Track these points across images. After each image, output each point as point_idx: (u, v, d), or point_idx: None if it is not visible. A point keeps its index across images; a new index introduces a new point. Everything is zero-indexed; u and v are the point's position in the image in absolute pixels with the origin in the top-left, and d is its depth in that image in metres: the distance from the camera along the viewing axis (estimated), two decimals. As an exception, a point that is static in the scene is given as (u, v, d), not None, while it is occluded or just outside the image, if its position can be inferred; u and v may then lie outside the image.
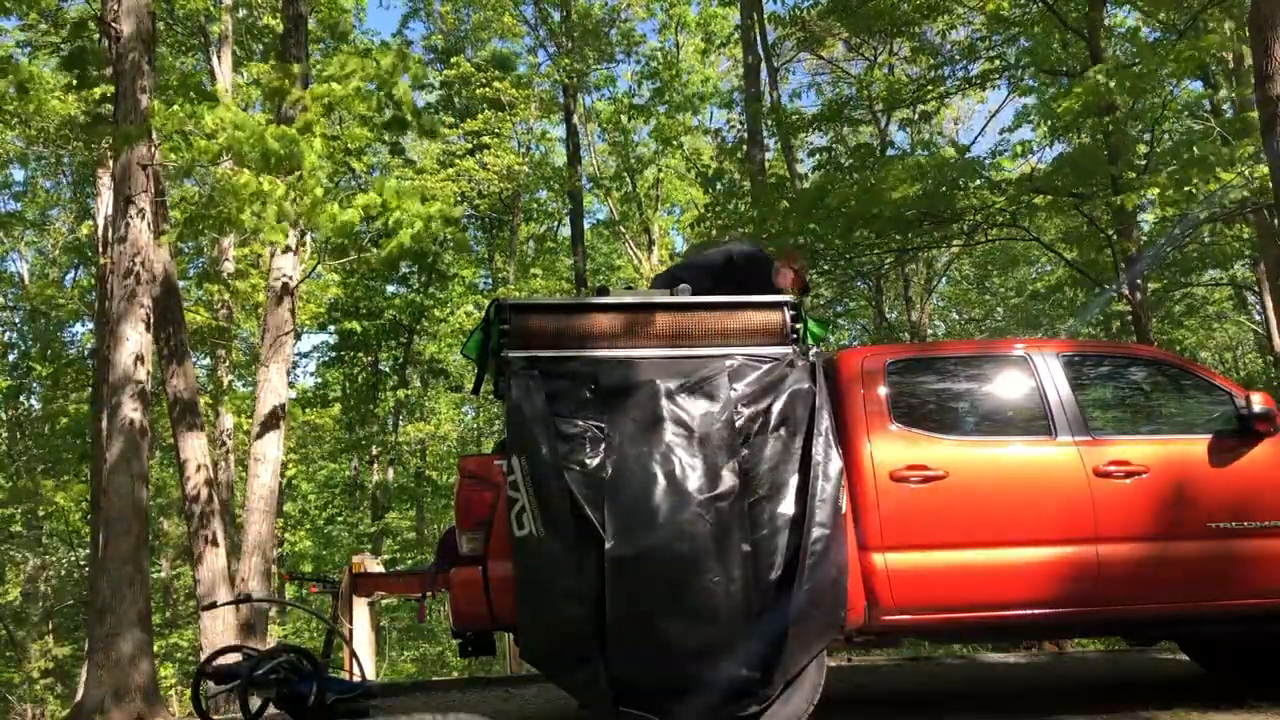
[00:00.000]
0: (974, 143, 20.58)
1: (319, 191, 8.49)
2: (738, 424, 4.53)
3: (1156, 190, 10.16)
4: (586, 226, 23.26)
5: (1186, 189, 9.91)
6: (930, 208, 11.30)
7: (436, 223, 9.28)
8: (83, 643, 18.08)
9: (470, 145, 21.07)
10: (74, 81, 10.59)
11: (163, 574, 21.60)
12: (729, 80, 22.23)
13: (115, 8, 8.06)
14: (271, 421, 10.49)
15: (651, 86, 20.66)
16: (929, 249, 15.68)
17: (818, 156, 14.60)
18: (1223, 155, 9.83)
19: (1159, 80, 10.63)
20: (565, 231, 23.86)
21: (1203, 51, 10.09)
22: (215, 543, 10.53)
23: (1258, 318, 20.80)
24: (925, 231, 12.35)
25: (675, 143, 20.52)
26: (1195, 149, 10.47)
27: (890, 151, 16.22)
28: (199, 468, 10.80)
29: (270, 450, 10.49)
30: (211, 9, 15.98)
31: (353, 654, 5.86)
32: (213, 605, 9.49)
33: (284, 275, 10.65)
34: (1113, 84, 9.90)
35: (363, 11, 21.06)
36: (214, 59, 16.51)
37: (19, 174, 23.13)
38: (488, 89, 20.91)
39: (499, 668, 17.42)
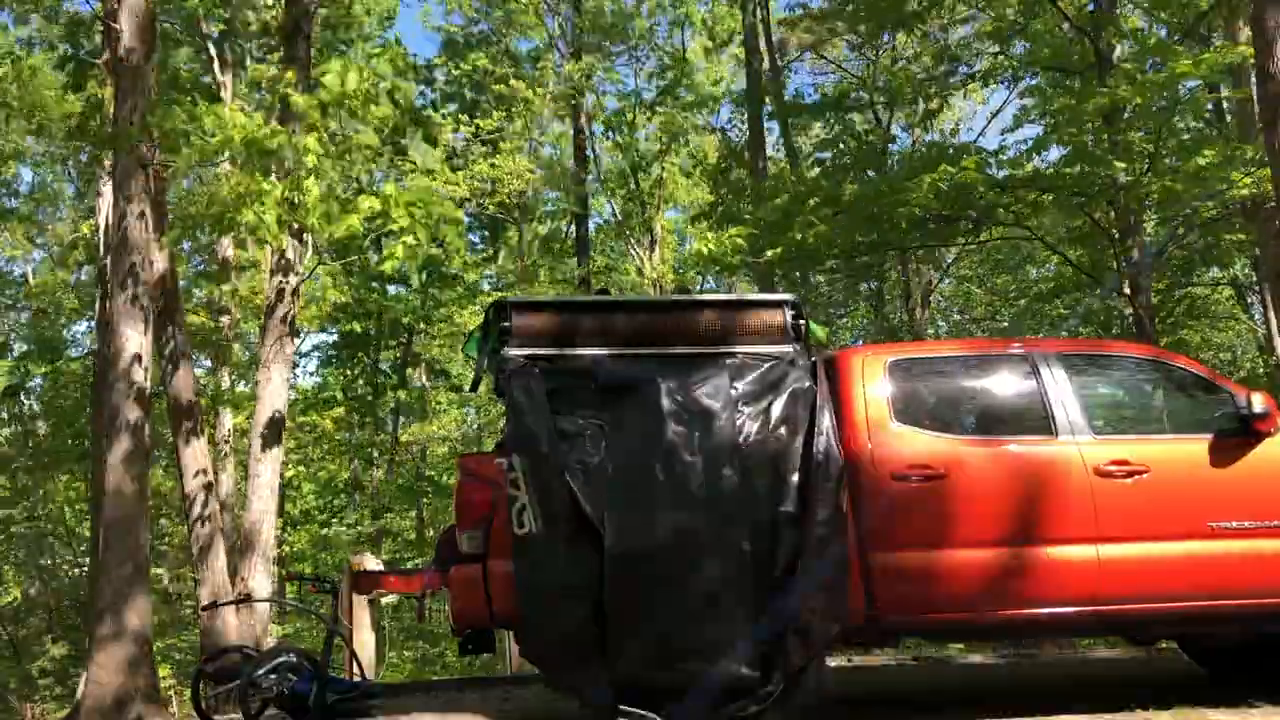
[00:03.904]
0: (975, 142, 20.47)
1: (316, 192, 8.46)
2: (738, 422, 4.53)
3: (1162, 190, 10.15)
4: (594, 226, 23.22)
5: (1194, 189, 9.92)
6: (943, 208, 11.22)
7: (447, 229, 9.23)
8: (83, 643, 18.06)
9: (482, 142, 21.00)
10: (80, 83, 10.57)
11: (163, 575, 21.58)
12: (734, 82, 22.16)
13: (116, 7, 8.04)
14: (271, 422, 10.47)
15: (660, 84, 20.60)
16: (933, 248, 15.63)
17: (821, 152, 14.50)
18: (1224, 170, 9.84)
19: (1176, 84, 10.61)
20: (575, 232, 23.84)
21: (1232, 59, 10.09)
22: (215, 544, 10.52)
23: (1258, 318, 20.76)
24: (931, 232, 12.29)
25: (681, 138, 20.43)
26: (1199, 157, 10.45)
27: (892, 147, 16.15)
28: (199, 469, 10.79)
29: (270, 451, 10.47)
30: (218, 6, 15.92)
31: (352, 654, 5.86)
32: (213, 605, 9.48)
33: (284, 277, 10.64)
34: (1123, 91, 9.90)
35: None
36: (216, 58, 16.48)
37: (26, 174, 23.15)
38: (503, 85, 20.83)
39: (499, 668, 17.40)
